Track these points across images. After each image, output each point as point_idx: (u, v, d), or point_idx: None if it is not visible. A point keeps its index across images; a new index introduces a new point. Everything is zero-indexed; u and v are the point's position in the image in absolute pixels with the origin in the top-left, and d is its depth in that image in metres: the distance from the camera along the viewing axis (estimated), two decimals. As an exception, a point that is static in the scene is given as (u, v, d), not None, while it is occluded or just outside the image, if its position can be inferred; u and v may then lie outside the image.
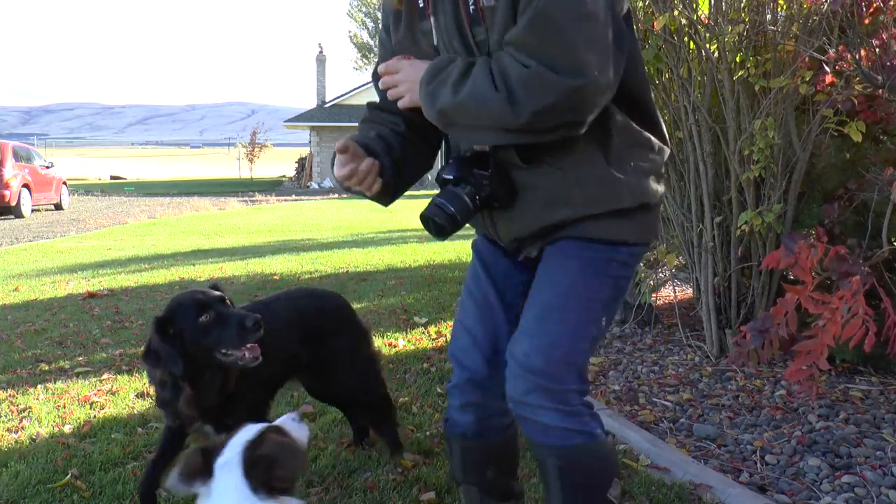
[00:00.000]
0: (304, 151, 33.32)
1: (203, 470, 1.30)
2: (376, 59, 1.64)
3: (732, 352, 2.45)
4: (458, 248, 7.96)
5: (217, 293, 1.91)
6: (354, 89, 31.74)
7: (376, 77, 1.50)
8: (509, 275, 1.61)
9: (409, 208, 16.24)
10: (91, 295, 5.73)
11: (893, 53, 2.69)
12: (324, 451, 2.54)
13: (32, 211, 15.68)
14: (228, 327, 1.83)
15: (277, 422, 1.45)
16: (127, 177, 44.73)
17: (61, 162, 30.24)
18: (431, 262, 7.09)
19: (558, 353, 1.40)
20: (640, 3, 3.38)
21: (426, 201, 1.46)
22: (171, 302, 1.90)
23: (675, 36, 3.27)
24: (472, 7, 1.34)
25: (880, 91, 2.76)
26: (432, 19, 1.43)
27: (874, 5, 2.88)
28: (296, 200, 20.98)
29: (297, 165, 33.49)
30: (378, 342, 4.04)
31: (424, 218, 1.42)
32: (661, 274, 4.77)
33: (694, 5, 3.24)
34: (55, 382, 3.46)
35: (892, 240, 2.60)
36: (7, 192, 14.17)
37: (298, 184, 31.47)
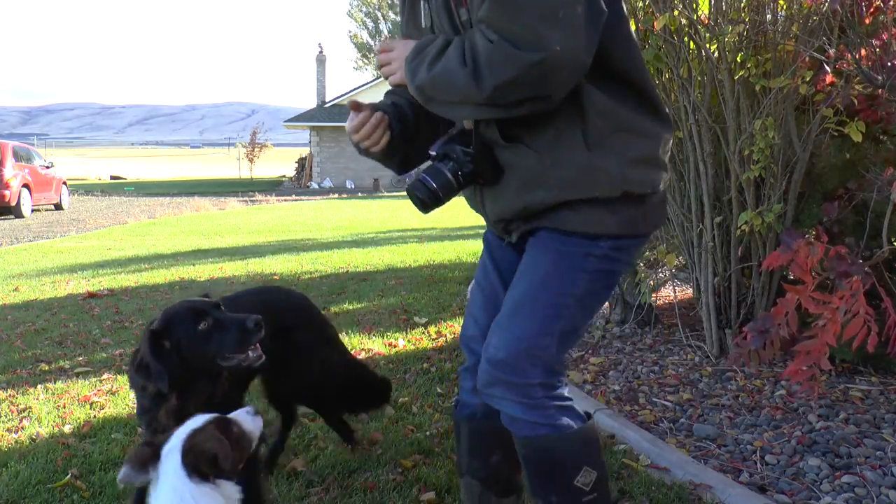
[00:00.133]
0: (304, 151, 33.33)
1: (153, 458, 1.40)
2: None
3: (733, 353, 2.45)
4: (458, 248, 7.96)
5: (210, 300, 1.88)
6: (354, 89, 31.71)
7: None
8: (515, 266, 1.63)
9: (409, 208, 16.24)
10: (91, 295, 5.73)
11: (893, 53, 2.69)
12: (324, 451, 2.54)
13: (32, 211, 15.69)
14: (229, 332, 1.80)
15: (232, 414, 1.52)
16: (127, 177, 44.74)
17: (61, 162, 30.24)
18: (431, 262, 7.09)
19: (522, 347, 1.44)
20: (640, 3, 3.38)
21: None
22: (165, 314, 1.82)
23: (675, 36, 3.27)
24: None
25: (880, 91, 2.76)
26: (424, 3, 1.50)
27: (874, 5, 2.88)
28: (296, 200, 20.98)
29: (297, 165, 33.49)
30: (378, 342, 4.04)
31: (408, 191, 1.48)
32: (661, 274, 4.77)
33: (694, 5, 3.24)
34: (55, 382, 3.47)
35: (893, 240, 2.60)
36: (7, 192, 14.18)
37: (298, 184, 31.48)
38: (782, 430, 2.61)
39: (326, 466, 2.42)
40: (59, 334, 4.46)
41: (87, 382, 3.45)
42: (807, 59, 2.95)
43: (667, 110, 1.49)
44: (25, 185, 15.00)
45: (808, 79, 2.91)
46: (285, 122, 31.64)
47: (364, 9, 43.92)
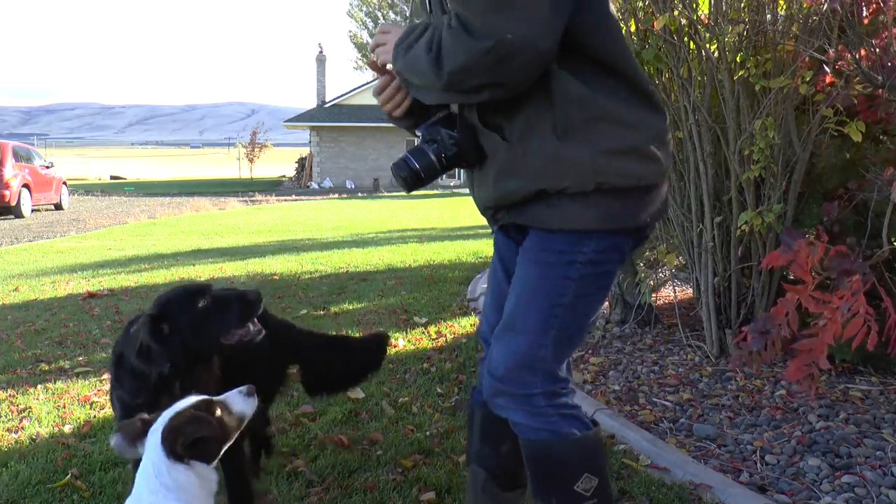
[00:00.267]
0: (304, 151, 33.34)
1: (143, 434, 1.46)
2: None
3: (734, 355, 2.45)
4: (458, 248, 7.96)
5: (204, 282, 1.88)
6: (354, 89, 31.75)
7: None
8: None
9: (410, 208, 16.25)
10: (91, 295, 5.73)
11: (893, 53, 2.69)
12: (324, 451, 2.54)
13: (32, 211, 15.69)
14: (230, 305, 1.81)
15: (223, 395, 1.54)
16: (127, 177, 44.76)
17: (61, 162, 30.25)
18: (431, 262, 7.09)
19: (519, 360, 1.46)
20: (640, 3, 3.38)
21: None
22: (159, 298, 1.82)
23: (675, 36, 3.27)
24: None
25: (880, 91, 2.76)
26: None
27: (874, 5, 2.88)
28: (296, 200, 20.98)
29: (297, 165, 33.52)
30: (378, 342, 4.04)
31: (392, 170, 1.51)
32: (661, 274, 4.77)
33: (694, 5, 3.24)
34: (55, 382, 3.47)
35: (893, 239, 2.60)
36: (7, 192, 14.18)
37: (298, 184, 31.48)
38: (782, 430, 2.61)
39: (326, 466, 2.42)
40: (59, 334, 4.46)
41: (87, 382, 3.45)
42: (807, 59, 2.95)
43: (659, 99, 1.44)
44: (25, 185, 15.00)
45: (808, 79, 2.91)
46: (285, 122, 31.66)
47: (364, 9, 43.90)
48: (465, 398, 3.07)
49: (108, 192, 27.38)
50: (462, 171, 1.59)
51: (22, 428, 2.90)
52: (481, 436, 1.75)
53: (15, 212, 14.65)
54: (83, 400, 3.20)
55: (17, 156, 15.14)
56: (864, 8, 2.89)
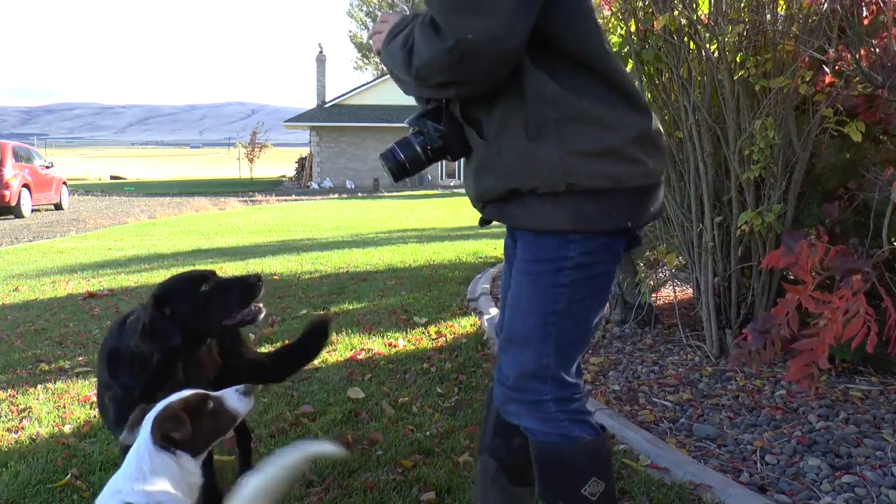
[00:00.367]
0: (304, 151, 33.34)
1: (142, 421, 1.54)
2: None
3: (734, 354, 2.45)
4: (458, 248, 7.96)
5: (207, 269, 1.95)
6: (354, 89, 31.76)
7: None
8: None
9: (410, 208, 16.25)
10: (91, 295, 5.73)
11: (893, 53, 2.69)
12: (324, 451, 2.54)
13: (32, 211, 15.69)
14: (232, 289, 1.86)
15: (221, 391, 1.59)
16: (127, 177, 44.77)
17: (61, 162, 30.26)
18: (431, 262, 7.09)
19: (525, 371, 1.47)
20: (640, 3, 3.38)
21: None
22: (163, 283, 1.87)
23: (675, 36, 3.27)
24: None
25: (880, 91, 2.76)
26: None
27: (874, 5, 2.88)
28: (296, 200, 20.99)
29: (297, 165, 33.51)
30: (378, 342, 4.04)
31: (380, 159, 1.54)
32: (661, 274, 4.77)
33: (694, 5, 3.24)
34: (55, 382, 3.47)
35: (893, 240, 2.60)
36: (7, 192, 14.19)
37: (298, 184, 31.49)
38: (782, 430, 2.61)
39: (326, 466, 2.41)
40: (59, 334, 4.46)
41: (87, 382, 3.45)
42: (807, 59, 2.95)
43: (643, 99, 1.40)
44: (25, 185, 15.01)
45: (807, 79, 2.91)
46: (285, 122, 31.65)
47: (364, 9, 43.93)
48: (465, 398, 3.07)
49: (108, 192, 27.38)
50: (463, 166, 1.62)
51: (22, 428, 2.90)
52: (494, 427, 1.76)
53: (15, 212, 14.66)
54: (83, 400, 3.20)
55: (17, 156, 15.15)
56: (864, 8, 2.89)
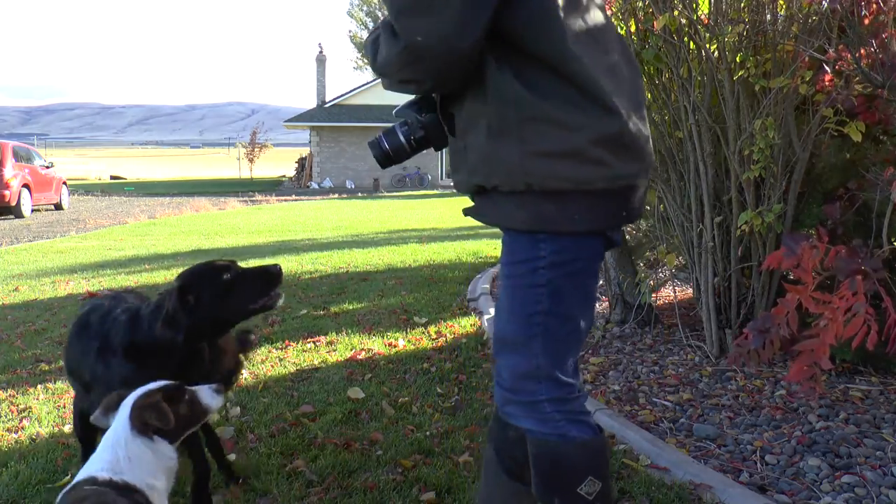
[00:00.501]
0: (304, 151, 33.35)
1: (116, 406, 1.61)
2: None
3: (733, 353, 2.45)
4: (458, 248, 7.96)
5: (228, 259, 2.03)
6: (354, 89, 31.76)
7: None
8: None
9: (410, 208, 16.25)
10: (91, 295, 5.73)
11: (893, 53, 2.69)
12: (324, 451, 2.54)
13: (32, 211, 15.70)
14: (253, 278, 1.95)
15: (196, 387, 1.68)
16: (127, 177, 44.77)
17: (61, 162, 30.26)
18: (431, 262, 7.09)
19: (518, 373, 1.49)
20: (640, 3, 3.38)
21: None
22: (185, 272, 1.95)
23: (675, 36, 3.27)
24: None
25: (880, 91, 2.76)
26: None
27: (874, 5, 2.88)
28: (296, 200, 20.99)
29: (297, 165, 33.51)
30: (378, 342, 4.04)
31: (369, 146, 1.59)
32: (661, 274, 4.78)
33: (694, 5, 3.24)
34: (55, 382, 3.47)
35: (893, 240, 2.60)
36: (7, 192, 14.19)
37: (298, 184, 31.49)
38: (782, 430, 2.61)
39: (326, 466, 2.42)
40: (59, 334, 4.46)
41: (87, 382, 3.45)
42: (807, 59, 2.95)
43: (615, 101, 1.35)
44: (25, 185, 15.01)
45: (807, 79, 2.91)
46: (285, 122, 31.65)
47: (364, 8, 43.92)
48: (465, 398, 3.07)
49: (108, 192, 27.38)
50: None
51: (22, 428, 2.90)
52: (495, 416, 1.77)
53: (15, 212, 14.66)
54: (83, 400, 3.20)
55: (17, 156, 15.15)
56: (864, 8, 2.89)
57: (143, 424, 1.54)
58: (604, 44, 1.42)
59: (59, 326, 4.67)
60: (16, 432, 2.86)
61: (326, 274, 6.57)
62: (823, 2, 2.95)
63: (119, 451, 1.51)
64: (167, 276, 6.63)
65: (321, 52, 31.78)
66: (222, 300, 1.91)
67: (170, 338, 1.87)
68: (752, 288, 3.38)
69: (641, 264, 4.34)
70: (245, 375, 3.47)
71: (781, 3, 3.20)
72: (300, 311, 4.88)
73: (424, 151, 1.63)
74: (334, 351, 3.89)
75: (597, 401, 2.96)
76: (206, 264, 1.98)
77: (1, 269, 7.48)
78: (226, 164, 54.99)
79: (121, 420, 1.56)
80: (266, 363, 3.70)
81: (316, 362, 3.70)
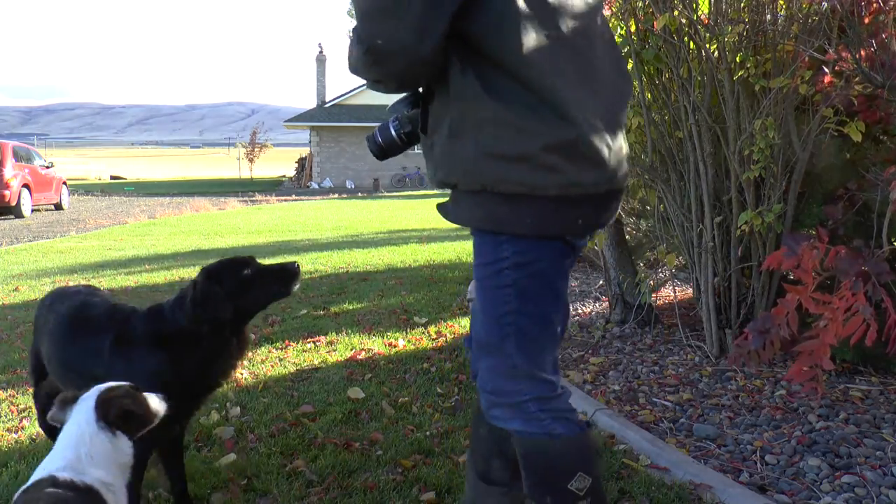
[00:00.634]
0: (304, 151, 33.34)
1: (73, 402, 1.63)
2: None
3: (733, 353, 2.45)
4: (458, 249, 7.97)
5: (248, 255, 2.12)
6: (354, 89, 31.75)
7: None
8: None
9: (409, 208, 16.24)
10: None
11: (893, 53, 2.69)
12: (324, 451, 2.54)
13: (32, 211, 15.69)
14: (273, 275, 2.04)
15: (144, 393, 1.71)
16: (127, 177, 44.77)
17: (61, 162, 30.25)
18: (431, 262, 7.09)
19: (499, 374, 1.51)
20: (640, 3, 3.38)
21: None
22: (210, 264, 2.03)
23: (675, 36, 3.27)
24: None
25: (880, 91, 2.76)
26: None
27: (874, 6, 2.88)
28: (296, 200, 20.99)
29: (297, 165, 33.51)
30: (378, 342, 4.04)
31: (366, 141, 1.65)
32: (661, 274, 4.78)
33: (694, 5, 3.24)
34: (55, 382, 3.47)
35: (893, 240, 2.60)
36: (7, 192, 14.19)
37: (298, 184, 31.49)
38: (782, 430, 2.61)
39: (326, 466, 2.42)
40: (59, 334, 4.45)
41: (87, 382, 3.45)
42: (807, 59, 2.95)
43: (573, 109, 1.36)
44: (25, 185, 15.01)
45: (807, 79, 2.91)
46: (285, 122, 31.65)
47: (364, 9, 43.88)
48: (465, 398, 3.07)
49: (108, 192, 27.38)
50: None
51: (22, 428, 2.90)
52: (474, 418, 1.82)
53: (15, 212, 14.65)
54: (83, 400, 3.20)
55: (17, 156, 15.14)
56: (864, 9, 2.89)
57: (109, 419, 1.56)
58: (578, 51, 1.41)
59: (59, 326, 4.67)
60: (16, 432, 2.86)
61: (326, 274, 6.57)
62: (823, 2, 2.95)
63: (81, 449, 1.52)
64: (167, 276, 6.64)
65: (321, 52, 31.77)
66: (244, 291, 1.99)
67: (202, 323, 1.93)
68: (752, 288, 3.37)
69: (641, 264, 4.35)
70: (245, 375, 3.48)
71: (781, 3, 3.20)
72: (300, 311, 4.88)
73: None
74: (334, 351, 3.89)
75: (597, 401, 2.96)
76: (229, 259, 2.08)
77: (1, 269, 7.48)
78: (226, 164, 54.99)
79: (84, 415, 1.56)
80: (266, 363, 3.70)
81: (316, 362, 3.70)
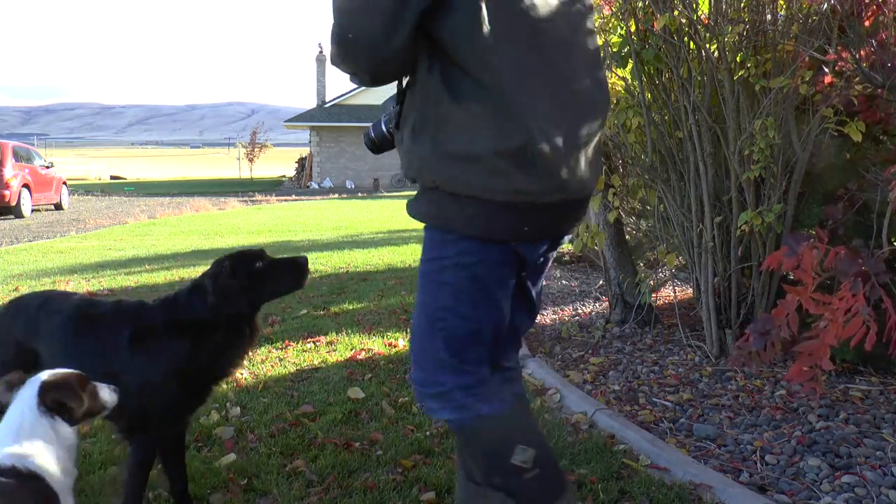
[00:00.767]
0: (304, 151, 33.34)
1: (20, 385, 1.65)
2: None
3: (734, 354, 2.45)
4: (458, 248, 7.95)
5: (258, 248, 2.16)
6: (354, 89, 31.73)
7: None
8: None
9: (409, 208, 16.24)
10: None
11: (893, 53, 2.69)
12: (324, 451, 2.54)
13: (32, 211, 15.69)
14: (284, 268, 2.08)
15: (97, 383, 1.74)
16: (127, 177, 44.78)
17: (61, 162, 30.26)
18: (431, 262, 7.08)
19: (424, 365, 1.55)
20: (640, 3, 3.38)
21: None
22: (223, 257, 2.06)
23: (675, 36, 3.27)
24: None
25: (880, 91, 2.76)
26: None
27: (874, 6, 2.88)
28: (296, 200, 20.99)
29: (297, 165, 33.51)
30: (378, 342, 4.04)
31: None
32: (661, 274, 4.78)
33: (694, 5, 3.24)
34: (55, 382, 3.46)
35: (893, 240, 2.60)
36: (7, 192, 14.18)
37: (298, 184, 31.49)
38: (782, 430, 2.61)
39: (326, 466, 2.41)
40: (59, 334, 4.45)
41: (87, 382, 3.45)
42: (807, 59, 2.95)
43: (530, 119, 1.37)
44: (25, 185, 15.00)
45: (807, 79, 2.91)
46: (285, 122, 31.65)
47: (364, 9, 43.91)
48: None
49: (107, 192, 27.38)
50: None
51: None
52: None
53: (15, 212, 14.65)
54: (83, 400, 3.20)
55: (17, 156, 15.14)
56: (865, 9, 2.89)
57: (51, 403, 1.58)
58: (547, 59, 1.42)
59: (59, 326, 4.67)
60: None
61: (326, 274, 6.57)
62: (824, 2, 2.95)
63: (22, 435, 1.53)
64: (167, 276, 6.64)
65: (321, 52, 31.77)
66: (256, 282, 2.03)
67: (221, 314, 1.97)
68: (752, 288, 3.38)
69: (641, 264, 4.35)
70: (245, 375, 3.48)
71: (781, 3, 3.20)
72: (300, 311, 4.88)
73: None
74: (334, 351, 3.89)
75: (597, 401, 2.96)
76: (241, 251, 2.12)
77: (1, 269, 7.48)
78: (226, 164, 55.00)
79: (26, 400, 1.59)
80: (266, 363, 3.70)
81: (316, 362, 3.70)
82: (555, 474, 1.57)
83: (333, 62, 1.46)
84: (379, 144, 1.65)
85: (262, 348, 3.96)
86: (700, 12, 3.29)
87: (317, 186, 29.57)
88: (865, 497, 2.12)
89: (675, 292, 4.54)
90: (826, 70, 2.92)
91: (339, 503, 2.19)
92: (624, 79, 3.68)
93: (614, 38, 3.61)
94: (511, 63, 1.38)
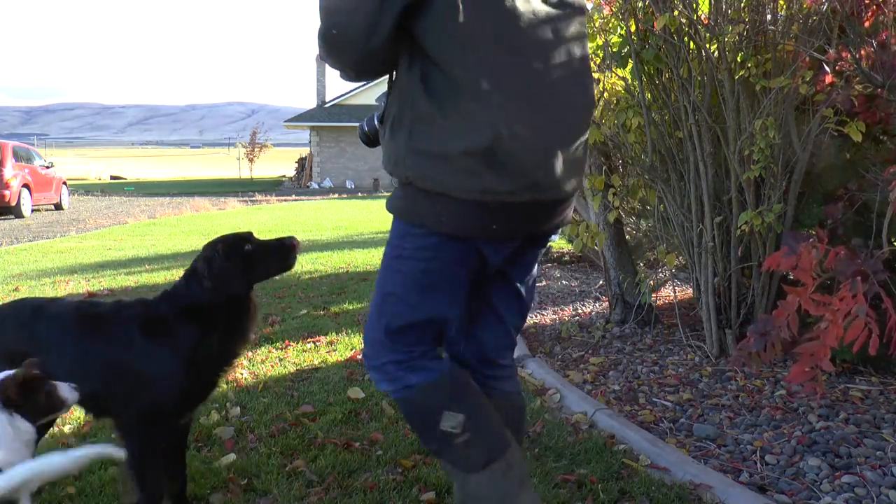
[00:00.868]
0: (304, 151, 33.33)
1: None
2: None
3: (734, 355, 2.45)
4: (458, 248, 7.95)
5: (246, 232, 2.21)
6: (354, 89, 31.72)
7: None
8: None
9: (409, 208, 16.25)
10: (91, 295, 5.73)
11: (893, 53, 2.69)
12: (324, 451, 2.54)
13: (32, 211, 15.68)
14: (273, 250, 2.14)
15: (58, 382, 1.79)
16: (127, 177, 44.77)
17: (61, 162, 30.26)
18: (431, 262, 7.08)
19: (370, 339, 1.68)
20: (640, 3, 3.38)
21: None
22: (214, 241, 2.12)
23: (675, 36, 3.27)
24: None
25: (880, 91, 2.76)
26: None
27: (874, 7, 2.88)
28: (296, 200, 20.99)
29: (297, 165, 33.50)
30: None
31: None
32: (661, 274, 4.78)
33: (694, 5, 3.24)
34: (55, 382, 3.46)
35: (893, 240, 2.60)
36: (7, 192, 14.17)
37: (298, 184, 31.48)
38: (782, 430, 2.61)
39: (326, 466, 2.41)
40: (59, 334, 4.45)
41: (87, 382, 3.44)
42: (807, 59, 2.95)
43: (494, 115, 1.39)
44: (25, 185, 15.00)
45: (807, 79, 2.91)
46: (285, 122, 31.64)
47: (364, 9, 43.89)
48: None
49: (107, 192, 27.38)
50: None
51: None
52: None
53: (15, 212, 14.64)
54: (83, 400, 3.19)
55: (17, 156, 15.13)
56: (865, 9, 2.89)
57: (8, 401, 1.66)
58: (524, 61, 1.43)
59: (59, 326, 4.66)
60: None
61: (326, 274, 6.57)
62: (824, 2, 2.95)
63: None
64: (167, 276, 6.63)
65: (321, 52, 31.75)
66: (248, 264, 2.08)
67: (221, 297, 2.00)
68: (752, 288, 3.38)
69: (641, 264, 4.35)
70: (245, 375, 3.48)
71: (781, 3, 3.20)
72: (300, 311, 4.88)
73: None
74: (334, 351, 3.89)
75: (597, 401, 2.96)
76: (229, 235, 2.18)
77: (1, 269, 7.48)
78: (226, 164, 54.98)
79: None
80: (266, 363, 3.70)
81: (316, 362, 3.70)
82: (490, 438, 1.60)
83: (322, 58, 1.52)
84: (372, 138, 1.70)
85: (262, 348, 3.96)
86: (700, 12, 3.29)
87: (317, 186, 29.56)
88: (865, 497, 2.12)
89: (675, 292, 4.54)
90: (827, 70, 2.92)
91: (339, 503, 2.19)
92: (624, 79, 3.68)
93: (614, 38, 3.61)
94: (486, 63, 1.40)
